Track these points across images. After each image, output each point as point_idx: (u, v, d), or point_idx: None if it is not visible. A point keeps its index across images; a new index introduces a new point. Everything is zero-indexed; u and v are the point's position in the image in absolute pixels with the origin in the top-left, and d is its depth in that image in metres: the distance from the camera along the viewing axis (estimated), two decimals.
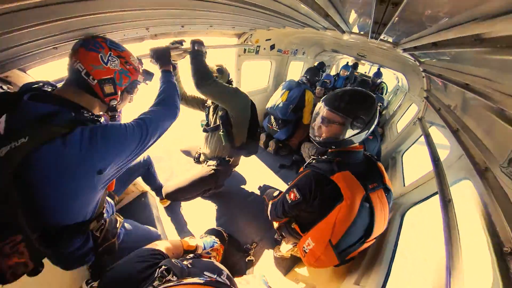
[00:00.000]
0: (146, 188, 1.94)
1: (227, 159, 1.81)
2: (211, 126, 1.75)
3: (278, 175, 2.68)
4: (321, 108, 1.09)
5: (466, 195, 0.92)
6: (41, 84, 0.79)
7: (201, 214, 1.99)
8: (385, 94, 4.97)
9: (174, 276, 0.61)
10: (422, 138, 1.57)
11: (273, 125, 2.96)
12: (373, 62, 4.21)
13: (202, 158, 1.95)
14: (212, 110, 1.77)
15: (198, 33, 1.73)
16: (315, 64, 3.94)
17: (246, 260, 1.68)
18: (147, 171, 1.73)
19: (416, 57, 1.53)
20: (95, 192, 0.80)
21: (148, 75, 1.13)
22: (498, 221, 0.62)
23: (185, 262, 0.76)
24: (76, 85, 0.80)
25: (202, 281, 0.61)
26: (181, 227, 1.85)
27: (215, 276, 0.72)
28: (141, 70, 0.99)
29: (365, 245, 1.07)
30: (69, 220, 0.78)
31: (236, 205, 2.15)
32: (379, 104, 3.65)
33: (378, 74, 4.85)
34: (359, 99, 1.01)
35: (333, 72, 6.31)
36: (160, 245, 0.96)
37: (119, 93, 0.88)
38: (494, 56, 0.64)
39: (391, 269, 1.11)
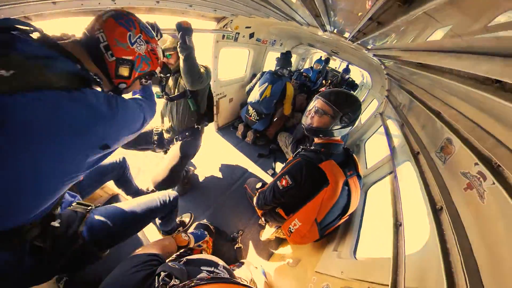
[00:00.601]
0: (117, 190, 1.75)
1: (196, 126, 1.82)
2: (175, 94, 1.67)
3: (257, 164, 2.81)
4: (318, 100, 1.30)
5: (407, 172, 1.28)
6: (31, 29, 0.60)
7: (185, 210, 1.96)
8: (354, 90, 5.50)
9: (176, 280, 0.58)
10: (381, 129, 1.95)
11: (252, 116, 3.01)
12: (344, 59, 4.59)
13: (168, 135, 1.84)
14: (173, 80, 1.68)
15: (173, 12, 1.59)
16: (284, 51, 4.08)
17: (235, 248, 1.81)
18: (122, 175, 1.51)
19: (382, 62, 1.86)
20: (71, 178, 0.62)
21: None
22: (432, 185, 0.93)
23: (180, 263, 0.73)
24: (87, 52, 0.70)
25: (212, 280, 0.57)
26: None
27: (213, 269, 0.74)
28: (160, 63, 0.95)
29: (340, 221, 1.36)
30: (11, 215, 0.56)
31: (219, 197, 2.19)
32: None
33: (347, 70, 5.30)
34: (351, 100, 1.25)
35: (306, 65, 6.64)
36: (154, 247, 0.92)
37: (132, 78, 0.82)
38: (430, 75, 0.92)
39: (359, 234, 1.42)
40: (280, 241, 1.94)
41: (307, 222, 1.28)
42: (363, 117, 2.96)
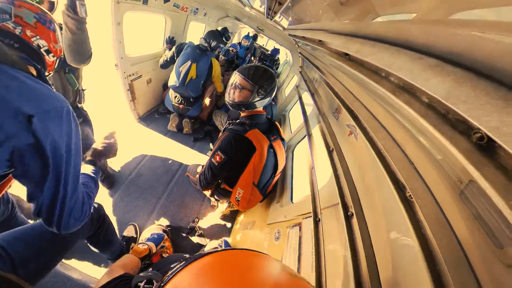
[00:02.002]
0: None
1: (80, 106, 1.67)
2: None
3: (195, 149, 2.70)
4: (237, 77, 1.42)
5: (318, 131, 1.66)
6: None
7: (126, 222, 1.76)
8: (278, 67, 5.97)
9: (155, 282, 0.54)
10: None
11: (182, 103, 2.62)
12: (269, 37, 4.85)
13: None
14: None
15: None
16: (219, 28, 3.79)
17: (197, 236, 1.80)
18: (96, 232, 1.12)
19: (296, 42, 2.15)
20: None
21: None
22: (328, 135, 1.27)
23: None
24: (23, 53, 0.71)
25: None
26: None
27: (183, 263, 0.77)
28: None
29: (275, 179, 1.62)
30: None
31: (161, 194, 2.06)
32: None
33: (276, 51, 5.59)
34: (265, 74, 1.41)
35: (235, 40, 6.58)
36: (115, 271, 0.85)
37: None
38: (328, 56, 1.20)
39: (293, 184, 1.75)
40: (235, 214, 2.08)
41: (247, 187, 1.48)
42: (287, 90, 3.38)
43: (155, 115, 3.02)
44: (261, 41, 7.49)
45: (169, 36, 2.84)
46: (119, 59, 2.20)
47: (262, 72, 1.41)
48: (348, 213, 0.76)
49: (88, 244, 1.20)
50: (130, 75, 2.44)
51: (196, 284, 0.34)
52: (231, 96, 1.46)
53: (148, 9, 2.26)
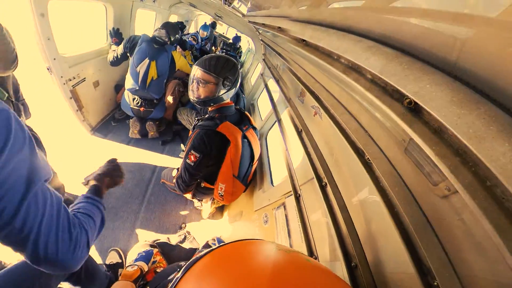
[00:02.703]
0: None
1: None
2: None
3: (165, 153, 2.50)
4: (198, 71, 1.33)
5: (286, 115, 1.75)
6: None
7: (109, 245, 1.62)
8: (241, 56, 5.88)
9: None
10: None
11: (142, 105, 2.32)
12: (229, 25, 4.68)
13: None
14: None
15: None
16: (160, 8, 3.41)
17: (188, 242, 1.73)
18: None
19: (257, 29, 2.16)
20: None
21: None
22: (295, 117, 1.36)
23: None
24: None
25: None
26: None
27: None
28: None
29: (254, 167, 1.64)
30: None
31: (138, 207, 1.90)
32: None
33: (237, 38, 5.46)
34: (227, 64, 1.36)
35: (192, 30, 6.24)
36: None
37: None
38: (288, 43, 1.26)
39: (271, 169, 1.82)
40: (221, 209, 2.06)
41: (228, 180, 1.47)
42: (252, 79, 3.39)
43: (111, 123, 2.65)
44: (221, 29, 7.21)
45: (113, 28, 2.40)
46: (51, 61, 1.80)
47: (224, 63, 1.35)
48: (323, 184, 0.86)
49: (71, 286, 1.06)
50: (70, 80, 2.03)
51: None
52: (195, 93, 1.38)
53: None
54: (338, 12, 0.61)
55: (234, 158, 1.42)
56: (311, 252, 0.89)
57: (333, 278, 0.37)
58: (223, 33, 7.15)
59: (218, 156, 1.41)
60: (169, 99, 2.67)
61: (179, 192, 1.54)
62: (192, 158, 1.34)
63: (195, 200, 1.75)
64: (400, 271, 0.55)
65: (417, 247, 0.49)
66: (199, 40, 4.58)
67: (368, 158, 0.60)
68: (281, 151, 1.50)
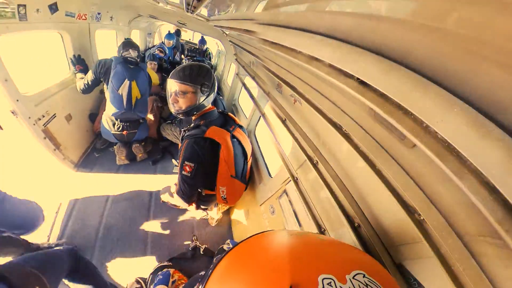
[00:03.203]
0: None
1: None
2: None
3: (158, 172, 2.45)
4: (174, 83, 1.34)
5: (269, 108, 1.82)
6: None
7: (125, 278, 1.60)
8: (211, 59, 5.86)
9: None
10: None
11: (125, 128, 2.28)
12: (194, 30, 4.60)
13: None
14: None
15: None
16: (119, 25, 3.33)
17: (202, 253, 1.72)
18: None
19: (223, 31, 2.20)
20: None
21: None
22: (277, 108, 1.44)
23: None
24: None
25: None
26: None
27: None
28: None
29: (249, 164, 1.68)
30: None
31: (143, 232, 1.89)
32: None
33: (203, 41, 5.41)
34: (201, 71, 1.38)
35: (156, 41, 6.10)
36: None
37: None
38: (256, 42, 1.32)
39: (265, 161, 1.87)
40: (227, 213, 2.10)
41: (228, 182, 1.51)
42: (229, 81, 3.42)
43: (94, 154, 2.56)
44: (186, 35, 7.07)
45: (73, 55, 2.32)
46: (15, 103, 1.72)
47: (198, 70, 1.38)
48: (314, 162, 0.95)
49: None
50: (39, 119, 1.94)
51: None
52: (176, 105, 1.40)
53: (31, 26, 1.72)
54: (291, 15, 0.69)
55: (228, 159, 1.45)
56: (319, 227, 0.97)
57: (344, 247, 0.41)
58: (190, 39, 7.02)
59: (212, 162, 1.43)
60: (150, 116, 2.65)
61: (183, 204, 1.54)
62: (188, 168, 1.35)
63: (199, 211, 1.75)
64: (394, 219, 0.65)
65: (400, 193, 0.59)
66: (166, 51, 4.48)
67: (345, 130, 0.69)
68: (271, 143, 1.57)
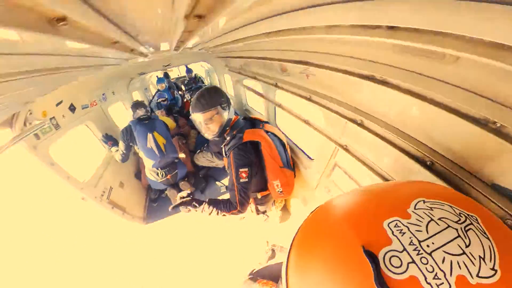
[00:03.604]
0: None
1: None
2: None
3: (207, 199, 2.66)
4: (198, 116, 1.48)
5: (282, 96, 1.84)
6: None
7: None
8: (204, 81, 6.02)
9: None
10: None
11: (167, 173, 2.54)
12: (179, 65, 4.80)
13: None
14: None
15: None
16: (121, 95, 3.72)
17: (279, 252, 1.72)
18: None
19: (207, 50, 2.28)
20: None
21: None
22: (297, 88, 1.46)
23: None
24: None
25: None
26: None
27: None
28: None
29: (289, 151, 1.75)
30: None
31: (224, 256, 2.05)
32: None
33: (189, 70, 5.59)
34: (210, 93, 1.49)
35: (153, 90, 6.46)
36: None
37: None
38: (240, 44, 1.36)
39: (298, 146, 1.91)
40: (285, 210, 2.15)
41: (278, 173, 1.58)
42: (230, 91, 3.50)
43: (152, 206, 2.88)
44: (173, 73, 7.38)
45: (102, 135, 2.72)
46: (82, 191, 2.08)
47: (208, 94, 1.48)
48: (358, 122, 0.94)
49: None
50: (101, 195, 2.30)
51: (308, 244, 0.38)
52: (210, 132, 1.53)
53: (65, 129, 2.09)
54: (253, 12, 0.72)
55: (271, 152, 1.54)
56: (381, 176, 0.94)
57: (401, 184, 0.41)
58: (178, 75, 7.28)
59: (259, 161, 1.53)
60: (181, 155, 2.90)
61: (240, 209, 1.53)
62: (244, 175, 1.42)
63: (263, 215, 1.81)
64: (468, 140, 0.61)
65: (463, 111, 0.58)
66: (166, 96, 4.71)
67: (380, 77, 0.69)
68: (297, 128, 1.54)
